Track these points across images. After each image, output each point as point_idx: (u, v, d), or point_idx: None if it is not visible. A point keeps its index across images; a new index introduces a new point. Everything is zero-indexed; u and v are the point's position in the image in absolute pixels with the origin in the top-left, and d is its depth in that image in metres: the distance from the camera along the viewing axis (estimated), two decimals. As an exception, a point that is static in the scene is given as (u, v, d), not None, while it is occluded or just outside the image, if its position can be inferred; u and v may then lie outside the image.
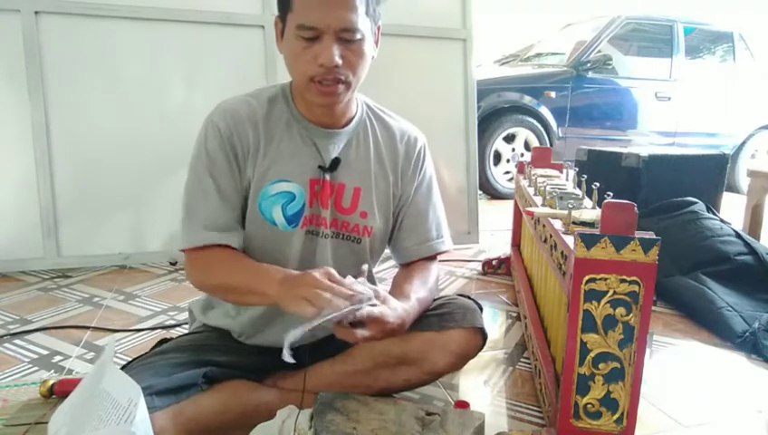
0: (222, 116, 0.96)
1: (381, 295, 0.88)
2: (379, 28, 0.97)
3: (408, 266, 1.12)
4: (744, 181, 4.19)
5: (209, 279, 0.96)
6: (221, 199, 0.95)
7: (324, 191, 1.00)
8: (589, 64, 4.12)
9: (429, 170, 1.14)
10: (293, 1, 0.87)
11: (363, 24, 0.89)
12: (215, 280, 0.95)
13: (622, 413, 0.87)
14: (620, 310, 0.84)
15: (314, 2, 0.85)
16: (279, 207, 0.98)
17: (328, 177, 1.00)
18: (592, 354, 0.86)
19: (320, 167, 0.99)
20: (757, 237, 2.26)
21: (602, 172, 2.23)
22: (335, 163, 1.00)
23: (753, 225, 2.35)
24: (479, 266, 2.20)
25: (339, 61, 0.87)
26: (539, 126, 4.02)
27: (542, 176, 1.66)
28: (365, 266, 0.94)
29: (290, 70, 0.94)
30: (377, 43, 0.97)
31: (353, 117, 1.04)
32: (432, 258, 1.13)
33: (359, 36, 0.88)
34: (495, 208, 3.61)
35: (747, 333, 1.52)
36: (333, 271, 0.84)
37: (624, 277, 0.83)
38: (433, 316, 1.05)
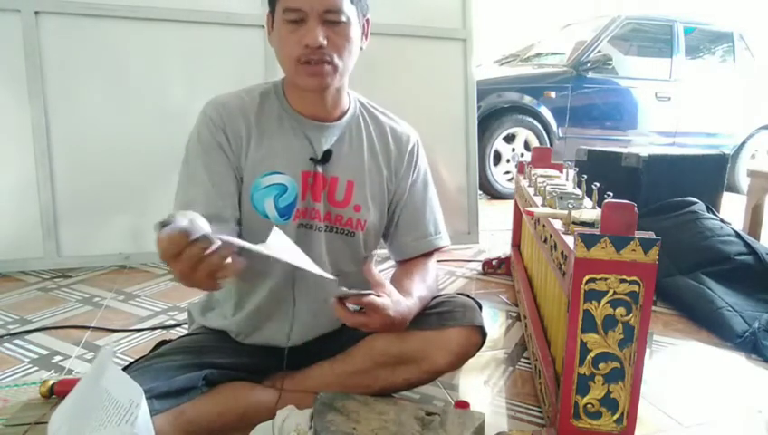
0: (214, 108, 0.98)
1: (387, 288, 0.90)
2: (367, 21, 0.99)
3: (407, 264, 1.12)
4: (744, 181, 4.19)
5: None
6: (214, 190, 0.95)
7: (317, 184, 1.00)
8: (589, 64, 4.12)
9: (424, 167, 1.15)
10: None
11: (348, 8, 0.91)
12: None
13: (622, 413, 0.87)
14: (620, 310, 0.84)
15: None
16: (271, 200, 0.98)
17: (320, 169, 1.00)
18: (592, 354, 0.86)
19: (311, 159, 1.00)
20: (757, 237, 2.26)
21: (602, 172, 2.22)
22: (327, 155, 1.01)
23: (753, 225, 2.35)
24: (479, 266, 2.20)
25: (323, 41, 0.89)
26: (539, 126, 4.02)
27: (542, 176, 1.66)
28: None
29: (279, 57, 0.95)
30: (366, 36, 0.99)
31: (346, 111, 1.05)
32: (430, 255, 1.14)
33: (343, 19, 0.91)
34: (495, 208, 3.61)
35: (747, 333, 1.52)
36: (169, 234, 0.65)
37: (624, 277, 0.83)
38: (432, 315, 1.05)
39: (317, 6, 0.88)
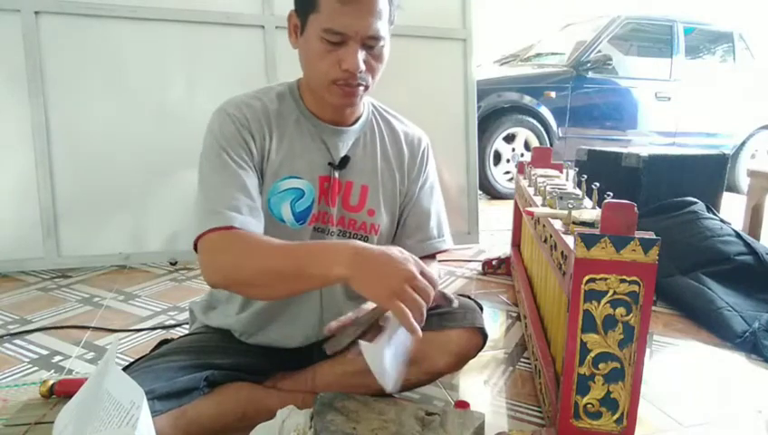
0: (236, 107, 0.95)
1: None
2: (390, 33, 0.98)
3: None
4: (744, 181, 4.19)
5: (242, 265, 0.82)
6: (244, 179, 0.90)
7: (332, 189, 1.00)
8: (589, 64, 4.12)
9: (433, 171, 1.15)
10: (320, 2, 0.86)
11: (384, 30, 0.90)
12: (250, 265, 0.82)
13: (622, 413, 0.87)
14: (620, 310, 0.84)
15: (344, 8, 0.85)
16: (288, 204, 0.98)
17: (337, 174, 1.00)
18: (592, 354, 0.86)
19: (330, 164, 1.00)
20: (757, 237, 2.26)
21: (602, 172, 2.22)
22: (344, 161, 1.01)
23: (753, 225, 2.35)
24: (479, 266, 2.20)
25: (363, 67, 0.88)
26: (539, 126, 4.02)
27: (542, 176, 1.66)
28: None
29: (308, 69, 0.94)
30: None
31: (360, 116, 1.05)
32: (432, 257, 1.14)
33: (382, 44, 0.90)
34: (495, 208, 3.61)
35: (747, 333, 1.52)
36: (422, 264, 0.78)
37: (624, 277, 0.83)
38: (433, 316, 1.05)
39: (361, 32, 0.86)
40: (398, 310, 0.73)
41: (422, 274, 0.77)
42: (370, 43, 0.88)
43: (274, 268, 0.81)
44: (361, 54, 0.88)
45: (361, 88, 0.92)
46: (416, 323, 0.73)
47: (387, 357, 0.77)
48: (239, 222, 0.85)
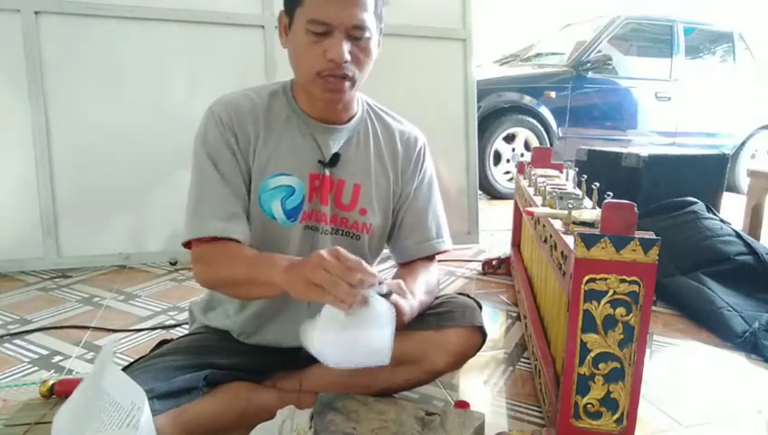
0: (223, 107, 0.97)
1: (404, 289, 0.89)
2: (381, 29, 0.98)
3: (410, 266, 1.12)
4: (744, 181, 4.19)
5: (214, 274, 0.94)
6: (225, 188, 0.94)
7: (324, 186, 1.00)
8: (589, 64, 4.12)
9: (430, 170, 1.15)
10: None
11: (371, 22, 0.90)
12: (220, 275, 0.92)
13: (622, 413, 0.87)
14: (620, 310, 0.84)
15: None
16: (278, 201, 0.98)
17: (328, 172, 1.00)
18: (592, 354, 0.86)
19: (320, 161, 1.00)
20: (757, 237, 2.26)
21: (602, 172, 2.22)
22: (335, 158, 1.01)
23: (753, 225, 2.35)
24: (479, 266, 2.20)
25: (348, 57, 0.88)
26: (539, 126, 4.02)
27: (542, 176, 1.66)
28: None
29: (295, 64, 0.94)
30: (378, 43, 0.98)
31: (354, 114, 1.05)
32: (432, 258, 1.13)
33: (367, 35, 0.90)
34: (495, 208, 3.61)
35: (747, 333, 1.52)
36: (342, 250, 0.80)
37: (624, 277, 0.83)
38: (432, 315, 1.05)
39: (345, 21, 0.87)
40: (313, 293, 0.75)
41: (336, 255, 0.78)
42: (356, 33, 0.89)
43: (239, 276, 0.90)
44: (346, 45, 0.88)
45: (347, 82, 0.92)
46: (341, 296, 0.74)
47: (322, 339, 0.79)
48: (220, 231, 0.92)
